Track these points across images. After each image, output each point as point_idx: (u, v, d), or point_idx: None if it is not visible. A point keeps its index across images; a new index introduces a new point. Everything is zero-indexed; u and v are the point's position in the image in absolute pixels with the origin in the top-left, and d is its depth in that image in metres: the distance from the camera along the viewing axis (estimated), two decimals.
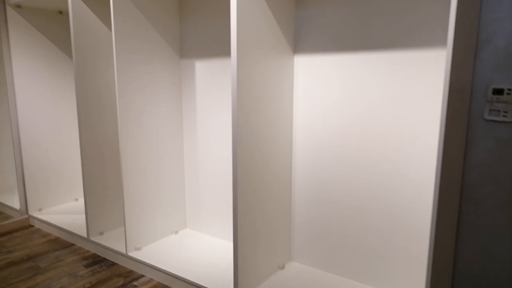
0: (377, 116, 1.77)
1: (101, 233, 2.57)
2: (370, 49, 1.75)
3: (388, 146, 1.76)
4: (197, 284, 1.94)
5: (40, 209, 3.03)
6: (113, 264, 2.35)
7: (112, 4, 2.04)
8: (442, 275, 1.54)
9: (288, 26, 1.92)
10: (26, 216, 2.99)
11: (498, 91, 1.50)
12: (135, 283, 2.13)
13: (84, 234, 2.56)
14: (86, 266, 2.33)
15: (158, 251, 2.31)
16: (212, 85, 2.32)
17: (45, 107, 3.01)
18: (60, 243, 2.66)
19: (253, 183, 1.81)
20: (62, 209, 3.08)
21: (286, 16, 1.89)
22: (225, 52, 2.23)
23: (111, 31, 2.51)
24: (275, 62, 1.86)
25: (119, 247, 2.36)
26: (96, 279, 2.18)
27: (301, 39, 1.95)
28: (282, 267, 2.09)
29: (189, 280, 1.97)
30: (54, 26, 3.01)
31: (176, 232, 2.56)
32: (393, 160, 1.76)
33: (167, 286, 2.09)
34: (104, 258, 2.43)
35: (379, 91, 1.75)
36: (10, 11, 2.79)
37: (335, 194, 1.95)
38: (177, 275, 2.03)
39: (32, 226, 2.98)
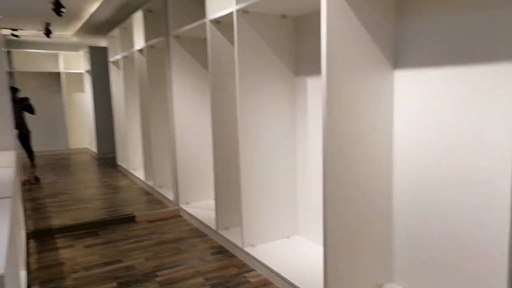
0: (486, 136, 1.64)
1: (227, 228, 2.98)
2: (476, 62, 1.64)
3: (502, 168, 1.61)
4: (294, 285, 2.12)
5: (187, 203, 3.67)
6: (232, 256, 2.73)
7: (236, 33, 2.42)
8: None
9: (387, 42, 1.94)
10: (177, 207, 3.67)
11: None
12: (246, 274, 2.44)
13: (214, 228, 3.02)
14: (212, 254, 2.76)
15: (269, 250, 2.57)
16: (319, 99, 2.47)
17: (193, 119, 3.63)
18: (197, 233, 3.20)
19: (350, 199, 1.90)
20: (204, 205, 3.65)
21: (383, 31, 1.92)
22: None
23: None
24: (371, 78, 1.91)
25: (238, 242, 2.72)
26: (218, 265, 2.58)
27: (402, 54, 1.94)
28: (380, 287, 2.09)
29: (290, 281, 2.16)
30: (202, 51, 3.62)
31: (288, 237, 2.78)
32: (505, 182, 1.60)
33: (271, 283, 2.33)
34: (227, 250, 2.83)
35: (487, 109, 1.62)
36: (172, 41, 3.49)
37: (441, 214, 1.86)
38: (281, 274, 2.24)
39: (181, 216, 3.64)
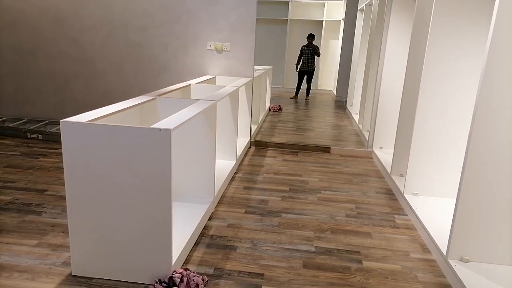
0: None
1: (401, 175, 3.05)
2: None
3: None
4: (434, 240, 2.13)
5: (381, 148, 3.84)
6: (394, 199, 2.85)
7: None
8: None
9: None
10: (371, 150, 3.90)
11: None
12: (396, 216, 2.56)
13: (389, 171, 3.14)
14: (377, 193, 2.96)
15: (428, 203, 2.56)
16: None
17: (400, 70, 3.63)
18: (377, 174, 3.40)
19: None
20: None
21: None
22: None
23: None
24: None
25: (402, 188, 2.79)
26: (375, 202, 2.78)
27: None
28: None
29: (430, 234, 2.18)
30: None
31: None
32: None
33: (414, 229, 2.38)
34: (393, 193, 2.95)
35: None
36: None
37: None
38: (424, 224, 2.27)
39: (371, 158, 3.86)
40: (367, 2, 5.36)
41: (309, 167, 3.51)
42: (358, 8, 6.22)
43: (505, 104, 1.71)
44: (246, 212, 2.51)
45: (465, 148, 2.53)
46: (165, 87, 3.95)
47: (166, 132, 1.54)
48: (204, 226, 2.28)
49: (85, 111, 4.13)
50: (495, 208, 1.82)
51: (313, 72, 7.82)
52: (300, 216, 2.49)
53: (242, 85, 3.36)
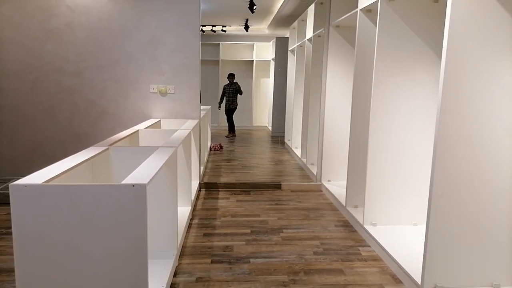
0: None
1: (356, 206, 3.14)
2: None
3: None
4: (402, 267, 2.18)
5: (329, 180, 3.95)
6: (354, 231, 2.90)
7: (379, 20, 2.53)
8: None
9: None
10: (320, 183, 3.99)
11: None
12: (360, 248, 2.60)
13: (344, 204, 3.22)
14: (336, 226, 3.00)
15: (388, 232, 2.64)
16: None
17: (342, 103, 3.83)
18: (330, 207, 3.46)
19: (475, 192, 1.86)
20: (344, 184, 3.86)
21: None
22: None
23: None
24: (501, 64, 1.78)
25: (361, 219, 2.86)
26: (337, 236, 2.80)
27: None
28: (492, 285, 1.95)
29: (398, 262, 2.23)
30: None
31: (415, 225, 2.75)
32: None
33: (381, 260, 2.43)
34: (351, 225, 3.01)
35: None
36: (331, 30, 3.77)
37: None
38: (390, 253, 2.32)
39: (321, 191, 3.95)
40: (298, 44, 5.66)
41: (265, 205, 3.47)
42: (289, 49, 6.54)
43: (465, 131, 1.85)
44: (212, 262, 2.37)
45: (417, 176, 2.69)
46: (105, 133, 3.72)
47: (141, 188, 1.41)
48: (171, 284, 2.10)
49: (13, 165, 3.71)
50: (466, 233, 1.92)
51: (235, 109, 8.04)
52: (269, 259, 2.41)
53: (193, 128, 3.27)
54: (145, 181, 1.43)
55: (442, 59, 1.79)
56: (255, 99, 9.37)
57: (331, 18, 3.74)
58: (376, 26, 2.94)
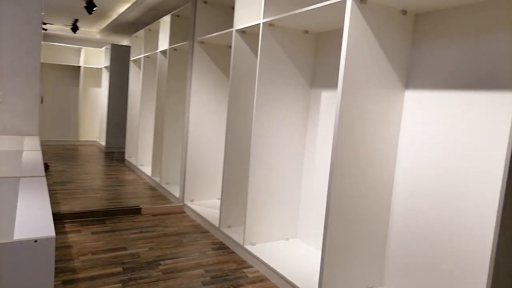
0: (479, 161, 1.78)
1: (229, 226, 3.10)
2: (480, 89, 1.79)
3: (494, 192, 1.74)
4: (291, 282, 2.23)
5: (192, 200, 3.80)
6: (233, 252, 2.84)
7: (260, 43, 2.58)
8: None
9: (401, 64, 2.09)
10: (182, 203, 3.79)
11: None
12: (245, 270, 2.56)
13: (217, 225, 3.13)
14: (213, 249, 2.88)
15: (268, 249, 2.69)
16: (333, 112, 2.62)
17: (206, 122, 3.79)
18: (200, 229, 3.32)
19: (353, 206, 2.03)
20: (208, 203, 3.78)
21: (399, 54, 2.07)
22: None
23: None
24: (383, 96, 2.05)
25: (239, 239, 2.83)
26: (218, 260, 2.69)
27: (414, 76, 2.09)
28: None
29: (287, 279, 2.27)
30: (223, 57, 3.80)
31: (287, 239, 2.89)
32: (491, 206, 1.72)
33: (268, 279, 2.44)
34: (227, 246, 2.94)
35: (485, 135, 1.76)
36: (196, 46, 3.67)
37: (434, 226, 1.98)
38: (277, 271, 2.36)
39: (185, 212, 3.76)
40: (145, 54, 5.33)
41: (128, 235, 3.06)
42: (132, 59, 6.10)
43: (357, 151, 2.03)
44: None
45: (289, 194, 2.84)
46: None
47: (48, 242, 1.01)
48: None
49: None
50: (362, 244, 2.10)
51: None
52: None
53: (38, 149, 2.64)
54: (52, 233, 1.04)
55: (338, 87, 1.94)
56: (82, 111, 8.34)
57: (196, 34, 3.65)
58: (249, 47, 3.03)
